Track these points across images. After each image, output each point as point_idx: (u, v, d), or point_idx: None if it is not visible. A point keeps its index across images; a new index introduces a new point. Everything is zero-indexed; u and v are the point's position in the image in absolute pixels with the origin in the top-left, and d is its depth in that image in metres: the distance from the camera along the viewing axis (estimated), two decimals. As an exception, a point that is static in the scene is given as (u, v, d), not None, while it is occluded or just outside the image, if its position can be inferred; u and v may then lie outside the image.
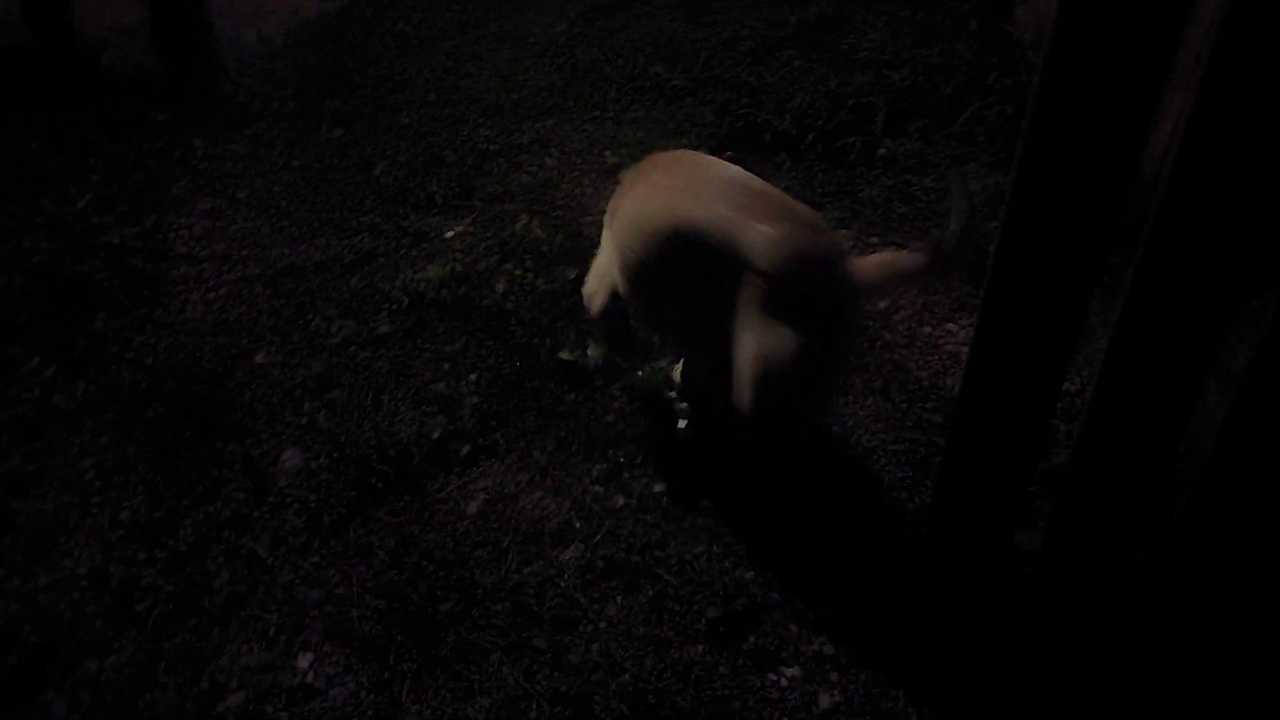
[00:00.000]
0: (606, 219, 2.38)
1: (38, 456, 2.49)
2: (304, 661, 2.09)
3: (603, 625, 2.13)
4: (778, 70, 3.75)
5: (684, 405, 2.53)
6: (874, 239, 3.07)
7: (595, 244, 2.53)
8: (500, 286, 2.93)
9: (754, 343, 1.96)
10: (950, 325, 2.80)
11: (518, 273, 2.97)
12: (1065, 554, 2.04)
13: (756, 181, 2.09)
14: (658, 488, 2.38)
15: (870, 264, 2.03)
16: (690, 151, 2.43)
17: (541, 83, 3.88)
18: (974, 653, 2.02)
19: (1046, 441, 2.06)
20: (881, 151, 3.32)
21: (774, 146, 3.40)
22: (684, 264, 2.06)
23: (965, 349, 2.68)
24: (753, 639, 2.09)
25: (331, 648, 2.10)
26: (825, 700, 1.99)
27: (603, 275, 2.41)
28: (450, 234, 3.19)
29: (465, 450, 2.51)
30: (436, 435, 2.53)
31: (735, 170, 2.13)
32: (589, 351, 2.70)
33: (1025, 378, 1.83)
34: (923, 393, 2.61)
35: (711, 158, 2.32)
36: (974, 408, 1.91)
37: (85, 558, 2.27)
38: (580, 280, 2.88)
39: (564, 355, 2.71)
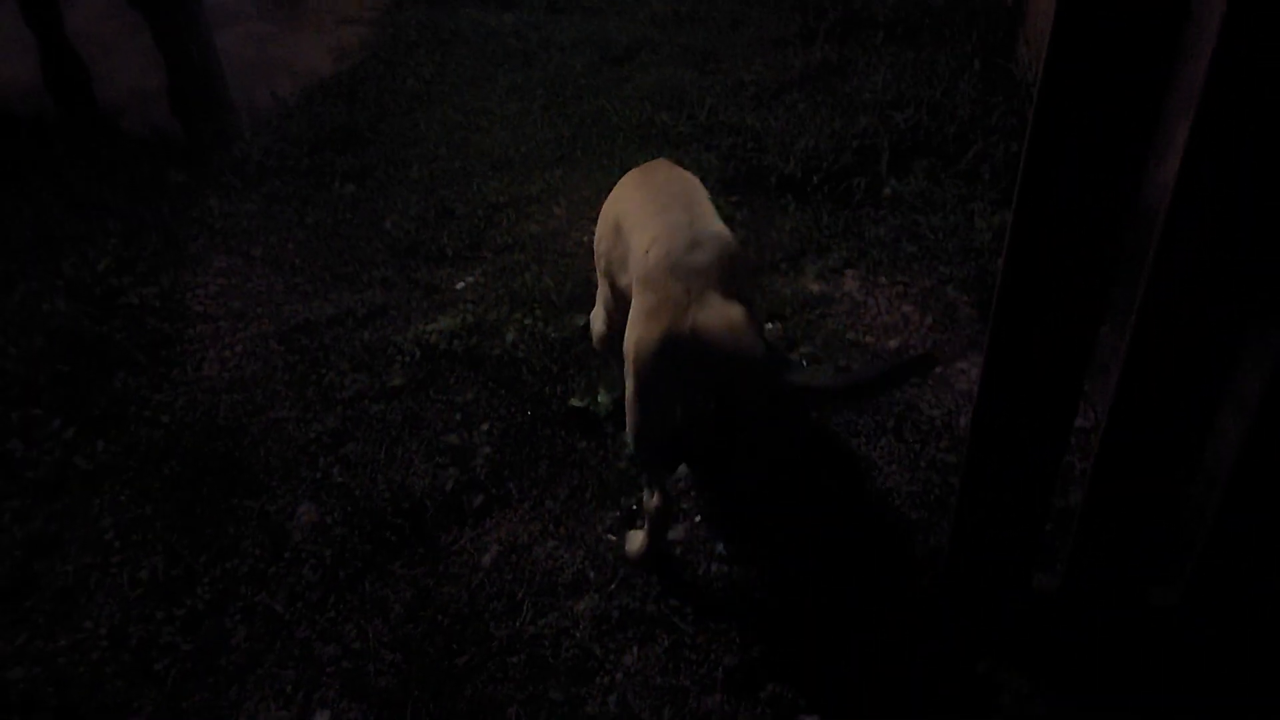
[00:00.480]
0: (595, 242, 2.46)
1: (58, 518, 2.52)
2: (322, 719, 2.09)
3: (619, 676, 2.12)
4: (782, 114, 3.80)
5: (654, 499, 2.24)
6: (881, 279, 3.09)
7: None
8: (511, 336, 2.95)
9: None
10: (961, 364, 2.80)
11: (527, 322, 3.00)
12: (1083, 593, 2.02)
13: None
14: (671, 535, 2.38)
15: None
16: (658, 165, 2.47)
17: (549, 134, 3.94)
18: (994, 695, 2.00)
19: (1061, 478, 2.06)
20: (887, 191, 3.35)
21: (780, 189, 3.43)
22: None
23: (976, 387, 2.68)
24: (771, 687, 2.07)
25: (349, 704, 2.10)
26: (844, 748, 1.97)
27: (601, 302, 2.49)
28: (461, 285, 3.23)
29: (479, 501, 2.52)
30: (450, 487, 2.54)
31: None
32: (599, 398, 2.72)
33: (1035, 412, 1.83)
34: (936, 433, 2.60)
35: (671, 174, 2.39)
36: (986, 446, 1.91)
37: (105, 618, 2.28)
38: (588, 328, 2.91)
39: (575, 403, 2.73)
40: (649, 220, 2.15)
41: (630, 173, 2.43)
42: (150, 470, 2.62)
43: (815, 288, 3.07)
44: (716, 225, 2.16)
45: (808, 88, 3.95)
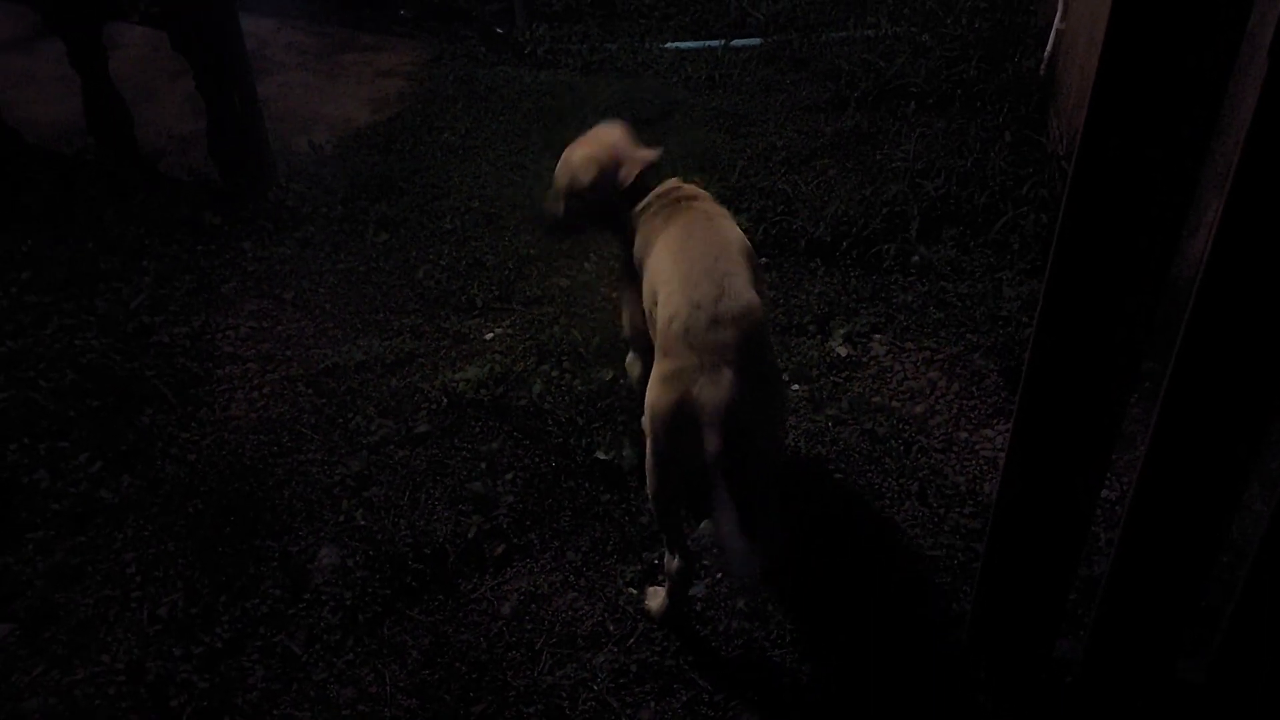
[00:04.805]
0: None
1: (82, 550, 2.52)
2: (334, 764, 2.07)
3: (637, 732, 2.10)
4: (813, 179, 3.84)
5: (674, 560, 2.23)
6: (908, 344, 3.10)
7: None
8: (537, 387, 2.96)
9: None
10: (987, 430, 2.79)
11: (554, 374, 3.02)
12: (1108, 663, 1.99)
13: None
14: (693, 591, 2.36)
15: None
16: (700, 215, 2.42)
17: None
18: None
19: (1086, 549, 2.04)
20: (916, 258, 3.37)
21: (809, 252, 3.46)
22: None
23: (1002, 454, 2.66)
24: (790, 749, 2.04)
25: (363, 750, 2.08)
26: (866, 816, 1.93)
27: (634, 332, 2.55)
28: (489, 336, 3.25)
29: (500, 550, 2.51)
30: (472, 534, 2.54)
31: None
32: (624, 452, 2.72)
33: (1062, 483, 1.82)
34: (960, 498, 2.59)
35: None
36: (1011, 514, 1.90)
37: (123, 652, 2.28)
38: (615, 382, 2.92)
39: (600, 455, 2.73)
40: (675, 292, 2.13)
41: (678, 224, 2.37)
42: (174, 507, 2.63)
43: (842, 351, 3.08)
44: (745, 296, 2.10)
45: (838, 154, 4.00)
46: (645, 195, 2.48)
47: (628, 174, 2.51)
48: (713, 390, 1.95)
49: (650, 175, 2.54)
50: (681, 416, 1.99)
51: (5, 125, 4.45)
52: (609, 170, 2.52)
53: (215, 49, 3.86)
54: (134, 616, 2.36)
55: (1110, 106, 1.45)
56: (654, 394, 2.07)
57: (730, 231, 2.34)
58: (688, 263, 2.19)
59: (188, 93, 4.20)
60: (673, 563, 2.22)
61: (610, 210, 2.54)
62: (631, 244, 2.48)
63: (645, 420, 2.13)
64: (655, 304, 2.24)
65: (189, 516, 2.60)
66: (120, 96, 4.19)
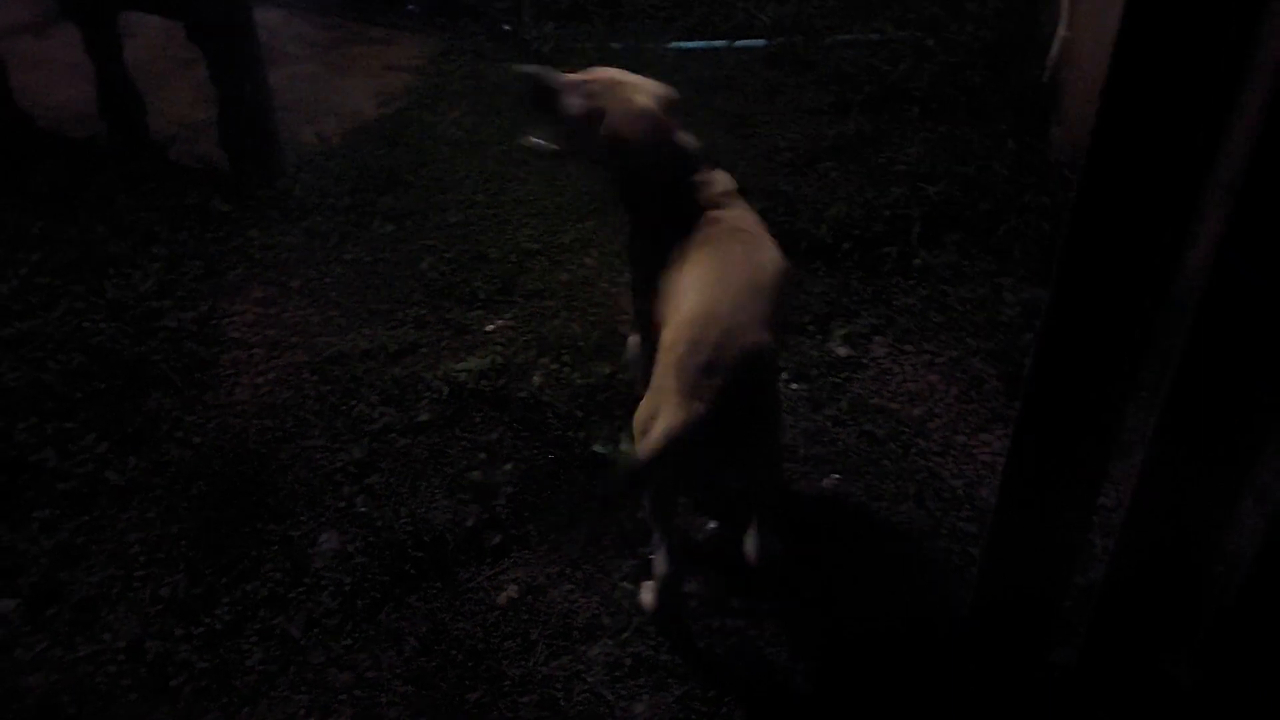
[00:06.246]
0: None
1: (86, 529, 2.55)
2: (331, 746, 2.10)
3: (630, 722, 2.13)
4: (815, 181, 3.87)
5: (663, 562, 2.26)
6: (908, 347, 3.12)
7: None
8: (537, 379, 2.99)
9: None
10: (985, 435, 2.82)
11: (554, 367, 3.05)
12: (1101, 670, 2.02)
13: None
14: (688, 588, 2.39)
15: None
16: (737, 234, 2.29)
17: (584, 186, 4.01)
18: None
19: (1082, 556, 2.06)
20: (917, 262, 3.40)
21: (810, 254, 3.48)
22: None
23: (1000, 459, 2.68)
24: (780, 743, 2.07)
25: (359, 733, 2.11)
26: (853, 809, 1.96)
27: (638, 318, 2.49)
28: (491, 328, 3.28)
29: (498, 540, 2.54)
30: (470, 523, 2.57)
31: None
32: (622, 446, 2.75)
33: (1060, 490, 1.84)
34: (957, 502, 2.62)
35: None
36: (1009, 520, 1.92)
37: (124, 631, 2.31)
38: (613, 377, 2.95)
39: (598, 449, 2.76)
40: (684, 322, 2.08)
41: (717, 245, 2.24)
42: (179, 489, 2.66)
43: (842, 351, 3.11)
44: (748, 341, 2.03)
45: (841, 157, 4.02)
46: (687, 179, 2.32)
47: (688, 142, 2.34)
48: (674, 413, 1.95)
49: (697, 160, 2.38)
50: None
51: (18, 109, 4.48)
52: (662, 136, 2.31)
53: (229, 40, 3.88)
54: (136, 596, 2.39)
55: (1118, 115, 1.47)
56: (640, 407, 2.10)
57: (769, 263, 2.24)
58: (710, 299, 2.10)
59: (199, 81, 4.23)
60: (661, 565, 2.26)
61: (638, 175, 2.36)
62: (659, 231, 2.32)
63: (634, 425, 2.13)
64: (666, 303, 2.22)
65: (193, 499, 2.63)
66: (133, 84, 4.22)
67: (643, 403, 2.11)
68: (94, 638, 2.30)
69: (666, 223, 2.31)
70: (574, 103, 2.37)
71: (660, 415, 1.99)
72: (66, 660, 2.25)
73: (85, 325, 3.17)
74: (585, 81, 2.39)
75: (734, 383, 1.99)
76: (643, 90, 2.37)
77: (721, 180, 2.39)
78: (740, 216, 2.34)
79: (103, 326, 3.16)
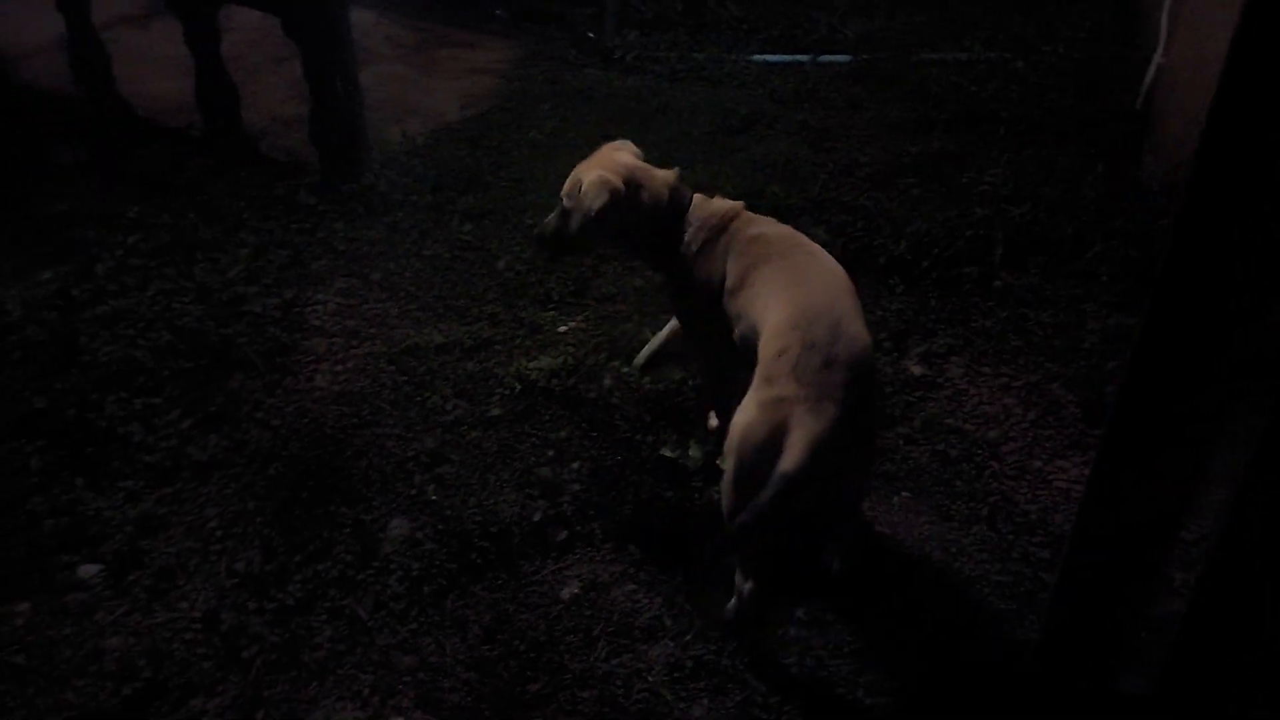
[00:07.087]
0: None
1: (168, 502, 2.63)
2: (393, 725, 2.13)
3: (689, 724, 2.12)
4: (895, 197, 3.83)
5: (746, 583, 2.22)
6: (985, 369, 3.08)
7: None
8: (607, 381, 3.01)
9: None
10: (1062, 461, 2.76)
11: (624, 370, 3.06)
12: (1178, 703, 1.96)
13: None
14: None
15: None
16: (798, 246, 2.38)
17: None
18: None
19: (1160, 588, 2.01)
20: (998, 283, 3.34)
21: (888, 270, 3.45)
22: None
23: (1076, 486, 2.64)
24: (840, 756, 2.05)
25: (422, 715, 2.14)
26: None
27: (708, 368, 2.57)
28: (564, 328, 3.31)
29: (563, 536, 2.56)
30: (537, 518, 2.59)
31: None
32: (691, 452, 2.75)
33: (1141, 522, 1.80)
34: (1030, 526, 2.57)
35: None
36: (1086, 549, 1.87)
37: (200, 601, 2.37)
38: (684, 383, 2.95)
39: (666, 453, 2.76)
40: (786, 329, 2.09)
41: (780, 262, 2.30)
42: (256, 468, 2.73)
43: (917, 370, 3.08)
44: (862, 341, 2.09)
45: (923, 174, 3.98)
46: (682, 219, 2.42)
47: (654, 195, 2.44)
48: (812, 420, 1.96)
49: (681, 195, 2.47)
50: (774, 442, 1.98)
51: (120, 98, 4.66)
52: (627, 193, 2.41)
53: (324, 37, 3.99)
54: (213, 569, 2.46)
55: (1223, 141, 1.44)
56: (748, 417, 2.05)
57: (838, 268, 2.29)
58: (803, 301, 2.14)
59: (291, 77, 4.36)
60: (745, 585, 2.22)
61: (638, 235, 2.48)
62: (685, 277, 2.41)
63: (731, 442, 2.09)
64: (752, 332, 2.21)
65: (270, 478, 2.70)
66: (229, 77, 4.35)
67: (742, 417, 2.06)
68: (171, 606, 2.37)
69: (697, 257, 2.41)
70: (570, 220, 2.50)
71: (793, 427, 1.96)
72: (145, 625, 2.31)
73: (175, 306, 3.27)
74: (563, 197, 2.52)
75: (854, 377, 2.02)
76: (597, 163, 2.50)
77: (717, 203, 2.47)
78: (774, 226, 2.41)
79: (191, 308, 3.26)
